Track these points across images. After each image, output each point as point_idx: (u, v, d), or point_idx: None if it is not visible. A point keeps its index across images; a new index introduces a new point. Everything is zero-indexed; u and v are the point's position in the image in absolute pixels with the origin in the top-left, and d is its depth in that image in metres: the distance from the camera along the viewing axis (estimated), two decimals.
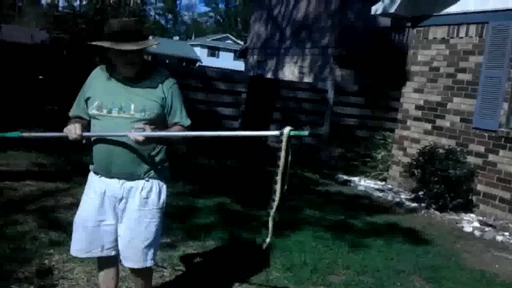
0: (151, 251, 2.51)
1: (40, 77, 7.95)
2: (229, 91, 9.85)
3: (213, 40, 59.06)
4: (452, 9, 6.84)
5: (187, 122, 2.52)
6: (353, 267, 4.02)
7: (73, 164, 5.99)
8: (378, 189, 7.34)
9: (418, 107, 7.37)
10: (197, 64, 48.09)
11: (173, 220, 4.69)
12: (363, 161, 8.55)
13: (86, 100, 2.44)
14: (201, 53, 55.20)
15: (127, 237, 2.47)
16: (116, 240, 2.51)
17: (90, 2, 12.21)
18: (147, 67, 2.47)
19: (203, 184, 6.31)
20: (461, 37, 6.75)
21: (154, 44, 2.54)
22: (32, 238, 3.82)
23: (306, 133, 2.23)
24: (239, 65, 39.12)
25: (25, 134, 2.54)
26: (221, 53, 56.97)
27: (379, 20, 15.19)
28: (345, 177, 7.94)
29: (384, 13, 7.81)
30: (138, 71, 2.40)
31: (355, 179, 7.89)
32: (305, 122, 10.53)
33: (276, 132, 2.18)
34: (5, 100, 5.21)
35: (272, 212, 2.28)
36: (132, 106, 2.35)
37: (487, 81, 6.32)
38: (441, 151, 6.38)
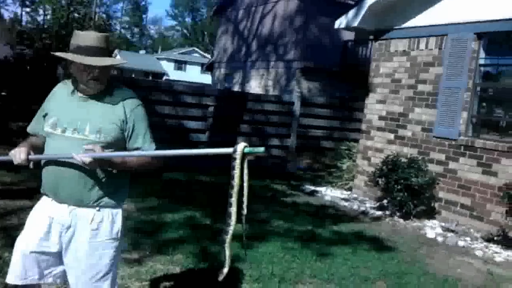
0: (107, 283, 2.32)
1: (3, 93, 7.83)
2: (197, 104, 9.87)
3: (180, 53, 59.03)
4: (413, 22, 7.09)
5: (151, 147, 2.31)
6: (320, 276, 4.11)
7: (38, 181, 5.92)
8: (344, 199, 7.48)
9: (381, 118, 7.57)
10: (163, 78, 47.93)
11: (141, 235, 4.70)
12: (329, 171, 8.70)
13: (44, 116, 2.32)
14: (167, 67, 55.05)
15: (77, 270, 2.29)
16: (53, 266, 2.33)
17: (54, 17, 12.11)
18: (111, 85, 2.32)
19: (173, 199, 6.31)
20: (422, 49, 6.99)
21: (123, 63, 2.48)
22: None
23: (262, 149, 2.00)
24: (207, 79, 39.20)
25: None
26: (188, 66, 56.95)
27: (344, 34, 15.55)
28: (312, 188, 8.06)
29: (348, 27, 8.01)
30: (102, 89, 2.27)
31: (322, 189, 8.02)
32: (272, 134, 10.65)
33: (229, 150, 1.99)
34: None
35: (228, 238, 2.04)
36: (88, 127, 2.20)
37: (447, 92, 6.56)
38: (403, 160, 6.56)
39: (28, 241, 2.29)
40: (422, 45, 6.99)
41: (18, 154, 2.20)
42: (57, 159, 2.22)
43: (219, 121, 9.86)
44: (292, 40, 16.84)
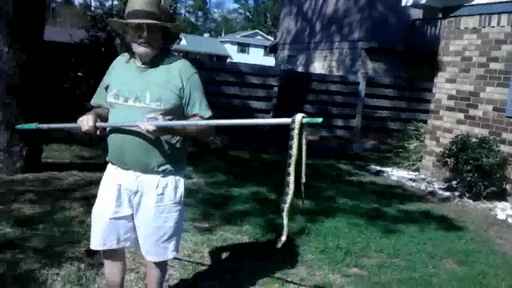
0: (172, 244, 2.46)
1: (80, 74, 8.28)
2: (262, 85, 10.02)
3: (243, 36, 59.28)
4: None
5: (207, 113, 2.40)
6: (386, 251, 4.13)
7: None
8: (411, 179, 7.38)
9: (450, 97, 7.36)
10: (227, 61, 48.42)
11: (211, 207, 4.90)
12: (396, 152, 8.57)
13: (106, 88, 2.42)
14: (231, 50, 55.54)
15: (145, 233, 2.43)
16: (130, 231, 2.48)
17: (121, 2, 12.57)
18: (166, 55, 2.38)
19: (238, 175, 6.49)
20: (493, 27, 6.71)
21: (168, 24, 2.34)
22: (80, 222, 4.07)
23: (319, 120, 1.96)
24: (269, 61, 39.30)
25: (42, 125, 2.58)
26: (251, 49, 57.18)
27: (411, 12, 15.10)
28: (378, 168, 8.00)
29: (415, 4, 7.81)
30: (156, 56, 2.32)
31: (388, 169, 7.94)
32: (337, 115, 10.62)
33: (288, 120, 2.00)
34: (49, 97, 5.51)
35: (285, 207, 2.08)
36: (148, 96, 2.28)
37: None
38: (473, 140, 6.38)
39: (102, 209, 2.44)
40: (494, 22, 6.71)
41: (86, 121, 2.28)
42: (122, 128, 2.31)
43: (283, 101, 9.95)
44: (357, 19, 16.54)
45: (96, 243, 2.48)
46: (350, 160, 8.55)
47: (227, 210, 4.89)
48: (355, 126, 10.80)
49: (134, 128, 2.24)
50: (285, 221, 2.12)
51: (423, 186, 6.97)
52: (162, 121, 2.18)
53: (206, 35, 70.21)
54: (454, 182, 6.72)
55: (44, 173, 5.48)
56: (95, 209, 2.49)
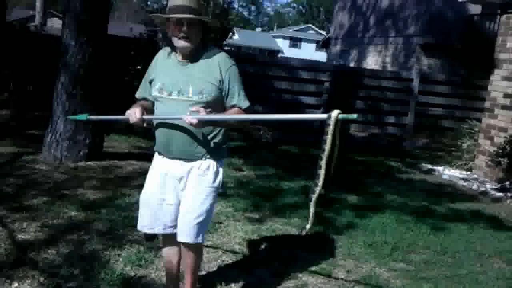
0: (202, 228, 2.55)
1: (138, 67, 8.63)
2: (313, 80, 10.07)
3: (295, 31, 59.15)
4: None
5: (246, 104, 2.51)
6: (433, 248, 4.17)
7: None
8: (462, 178, 7.28)
9: (506, 95, 7.20)
10: (278, 55, 48.49)
11: (261, 199, 5.07)
12: (448, 151, 8.45)
13: (150, 82, 2.54)
14: (282, 44, 55.54)
15: (182, 210, 2.54)
16: (176, 219, 2.57)
17: None
18: (206, 48, 2.49)
19: (288, 169, 6.63)
20: None
21: (206, 19, 2.48)
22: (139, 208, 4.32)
23: (355, 116, 2.01)
24: (321, 56, 39.04)
25: (92, 117, 2.78)
26: (302, 43, 57.00)
27: (469, 7, 14.68)
28: (429, 166, 7.92)
29: (473, 0, 7.66)
30: (195, 49, 2.43)
31: (439, 168, 7.85)
32: (388, 111, 10.55)
33: (324, 116, 2.08)
34: (111, 89, 5.83)
35: (314, 197, 2.17)
36: (190, 89, 2.39)
37: None
38: None
39: (148, 195, 2.59)
40: None
41: (134, 114, 2.41)
42: (167, 120, 2.45)
43: (334, 97, 9.97)
44: (413, 14, 16.22)
45: (143, 225, 2.64)
46: (401, 158, 8.51)
47: (277, 203, 5.04)
48: (407, 124, 10.69)
49: (178, 122, 2.39)
50: (311, 210, 2.20)
51: (475, 186, 6.87)
52: (204, 115, 2.29)
53: (258, 29, 70.48)
54: (507, 183, 6.60)
55: (105, 162, 5.81)
56: (143, 195, 2.63)
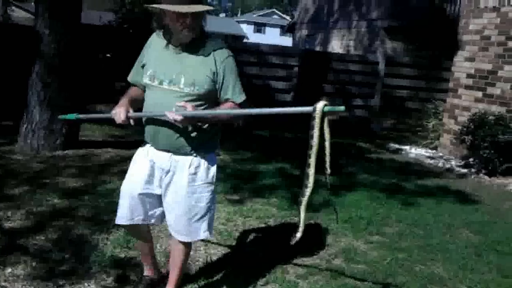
0: (204, 224, 2.48)
1: (108, 55, 8.59)
2: (282, 65, 10.19)
3: (259, 16, 59.08)
4: None
5: (240, 98, 2.38)
6: (405, 221, 4.42)
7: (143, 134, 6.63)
8: (429, 157, 7.61)
9: (469, 76, 7.53)
10: (243, 41, 48.40)
11: (240, 181, 5.22)
12: (414, 131, 8.78)
13: (143, 66, 2.41)
14: (247, 30, 55.40)
15: (176, 212, 2.45)
16: (155, 208, 2.52)
17: None
18: (202, 36, 2.34)
19: (263, 152, 6.79)
20: None
21: (211, 9, 2.35)
22: None
23: (342, 108, 1.87)
24: (286, 41, 39.19)
25: (80, 116, 2.73)
26: (267, 28, 57.00)
27: None
28: (397, 146, 8.23)
29: None
30: (195, 38, 2.29)
31: (406, 147, 8.17)
32: (356, 94, 10.80)
33: (309, 108, 1.92)
34: (81, 77, 5.82)
35: (304, 201, 2.01)
36: (182, 80, 2.27)
37: None
38: (491, 117, 6.57)
39: (133, 184, 2.46)
40: None
41: (119, 115, 2.31)
42: (152, 116, 2.35)
43: (303, 81, 10.14)
44: None
45: (122, 217, 2.51)
46: (369, 139, 8.79)
47: (255, 184, 5.20)
48: (374, 106, 10.97)
49: (162, 118, 2.26)
50: (301, 216, 2.05)
51: (440, 163, 7.20)
52: (190, 111, 2.18)
53: (222, 15, 70.04)
54: (471, 159, 6.94)
55: (82, 150, 5.84)
56: (125, 184, 2.51)
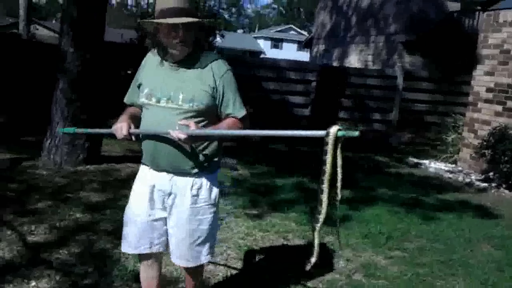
0: (205, 248, 2.39)
1: (129, 72, 8.73)
2: (300, 80, 10.26)
3: (276, 31, 59.41)
4: None
5: (241, 113, 2.29)
6: (426, 236, 4.39)
7: None
8: (448, 171, 7.55)
9: (489, 90, 7.48)
10: (261, 56, 48.70)
11: (257, 196, 5.24)
12: (433, 145, 8.72)
13: (139, 86, 2.33)
14: (264, 45, 55.75)
15: (178, 236, 2.35)
16: (164, 235, 2.40)
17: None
18: (197, 51, 2.27)
19: (280, 166, 6.81)
20: None
21: (202, 21, 2.28)
22: None
23: (356, 133, 1.82)
24: (303, 56, 39.37)
25: (79, 130, 2.68)
26: (284, 44, 57.27)
27: (448, 4, 15.06)
28: (415, 160, 8.18)
29: None
30: (190, 53, 2.23)
31: (425, 161, 8.11)
32: (374, 108, 10.80)
33: (322, 132, 1.87)
34: (102, 94, 5.94)
35: (317, 226, 1.98)
36: (181, 96, 2.19)
37: None
38: (511, 132, 6.51)
39: (135, 211, 2.37)
40: None
41: (120, 130, 2.22)
42: (152, 133, 2.26)
43: (321, 96, 10.18)
44: (393, 12, 16.57)
45: (128, 246, 2.43)
46: (388, 153, 8.75)
47: (273, 199, 5.22)
48: (392, 120, 10.95)
49: (166, 136, 2.18)
50: (316, 241, 2.03)
51: (460, 178, 7.14)
52: (193, 129, 2.10)
53: (240, 31, 70.64)
54: (491, 174, 6.87)
55: (103, 165, 5.93)
56: (128, 211, 2.42)
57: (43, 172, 5.44)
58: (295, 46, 54.34)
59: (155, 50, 2.32)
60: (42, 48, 8.01)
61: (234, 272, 3.40)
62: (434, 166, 7.87)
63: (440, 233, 4.49)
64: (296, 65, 10.60)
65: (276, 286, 3.21)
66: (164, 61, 2.26)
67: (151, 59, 2.34)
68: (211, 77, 2.22)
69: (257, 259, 3.66)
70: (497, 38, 7.38)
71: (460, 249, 4.14)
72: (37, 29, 22.24)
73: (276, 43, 57.27)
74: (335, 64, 19.23)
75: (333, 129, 1.83)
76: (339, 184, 1.92)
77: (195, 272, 2.53)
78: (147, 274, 2.56)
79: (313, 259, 2.03)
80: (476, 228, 4.75)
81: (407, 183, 6.58)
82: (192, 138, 2.13)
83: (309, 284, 3.31)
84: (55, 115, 5.71)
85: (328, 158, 1.86)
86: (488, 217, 5.20)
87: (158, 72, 2.27)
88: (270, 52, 52.31)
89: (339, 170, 1.88)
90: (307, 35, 30.94)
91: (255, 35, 60.50)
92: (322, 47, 21.30)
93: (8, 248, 3.45)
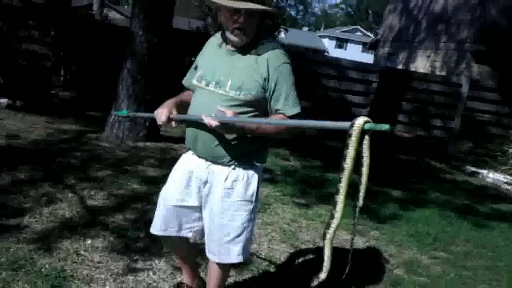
0: (238, 247, 2.23)
1: (193, 59, 8.99)
2: (361, 80, 10.20)
3: (342, 32, 58.80)
4: None
5: (292, 111, 2.10)
6: (474, 242, 4.33)
7: None
8: (507, 182, 7.31)
9: None
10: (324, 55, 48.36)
11: (307, 186, 5.32)
12: (494, 155, 8.45)
13: (196, 69, 2.27)
14: (328, 44, 55.32)
15: (209, 228, 2.26)
16: (195, 222, 2.33)
17: None
18: (259, 39, 2.12)
19: (332, 161, 6.81)
20: None
21: (268, 9, 2.07)
22: None
23: (386, 126, 1.54)
24: (367, 58, 38.74)
25: (131, 113, 2.79)
26: (349, 45, 56.61)
27: None
28: (473, 169, 7.97)
29: None
30: (250, 42, 2.09)
31: (484, 171, 7.88)
32: (435, 114, 10.57)
33: (346, 124, 1.61)
34: (167, 77, 6.19)
35: (329, 234, 1.68)
36: (229, 83, 2.07)
37: None
38: None
39: (169, 194, 2.32)
40: None
41: (160, 115, 2.19)
42: (192, 119, 2.18)
43: (381, 98, 10.07)
44: (466, 19, 16.04)
45: (156, 226, 2.37)
46: (445, 160, 8.56)
47: (322, 191, 5.27)
48: (453, 127, 10.67)
49: (200, 121, 2.05)
50: (327, 252, 1.72)
51: None
52: (228, 117, 1.98)
53: (305, 29, 70.44)
54: None
55: (161, 143, 6.19)
56: (164, 192, 2.37)
57: (105, 145, 5.75)
58: (359, 47, 53.58)
59: (219, 34, 2.24)
60: (113, 30, 8.40)
61: (276, 253, 3.50)
62: (493, 176, 7.63)
63: (489, 241, 4.40)
64: (357, 65, 10.53)
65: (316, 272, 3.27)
66: (222, 45, 2.17)
67: (212, 41, 2.26)
68: (265, 67, 2.07)
69: (299, 244, 3.74)
70: None
71: (507, 258, 4.04)
72: (109, 11, 23.24)
73: (341, 43, 56.69)
74: (400, 67, 18.87)
75: (359, 121, 1.56)
76: (363, 187, 1.62)
77: (220, 270, 2.38)
78: (180, 253, 2.61)
79: (322, 275, 1.72)
80: None
81: (462, 190, 6.44)
82: (225, 127, 2.00)
83: (347, 274, 3.35)
84: (120, 93, 6.01)
85: (350, 153, 1.58)
86: None
87: (214, 56, 2.18)
88: (334, 52, 51.86)
89: (364, 170, 1.59)
90: (373, 37, 30.47)
91: (320, 34, 60.15)
92: (387, 49, 20.93)
93: (68, 209, 3.70)
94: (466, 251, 4.07)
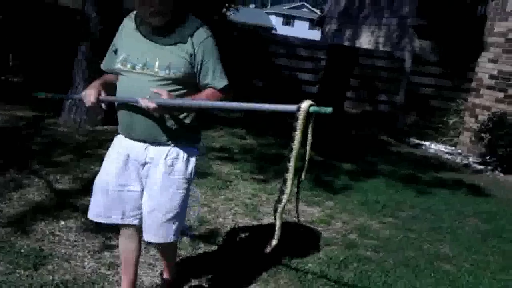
0: (174, 226, 2.24)
1: None
2: (310, 57, 10.49)
3: (289, 8, 59.09)
4: None
5: (221, 84, 2.16)
6: (419, 207, 4.74)
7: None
8: (447, 153, 7.86)
9: (492, 76, 7.74)
10: (272, 32, 48.50)
11: (264, 163, 5.58)
12: (436, 128, 9.01)
13: (115, 52, 2.19)
14: (276, 22, 55.51)
15: (148, 207, 2.22)
16: (140, 208, 2.26)
17: None
18: (179, 16, 2.11)
19: (287, 138, 7.10)
20: None
21: None
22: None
23: (329, 109, 1.66)
24: (314, 34, 39.29)
25: (48, 94, 2.57)
26: (296, 21, 57.03)
27: None
28: (417, 141, 8.50)
29: None
30: (170, 20, 2.09)
31: (426, 143, 8.43)
32: (381, 89, 11.04)
33: (293, 107, 1.73)
34: None
35: (280, 207, 1.86)
36: (157, 63, 2.06)
37: None
38: (510, 117, 6.80)
39: (107, 179, 2.24)
40: None
41: (89, 97, 2.11)
42: (125, 101, 2.15)
43: (329, 74, 10.42)
44: None
45: (96, 214, 2.29)
46: (391, 133, 9.05)
47: (279, 166, 5.54)
48: (398, 102, 11.19)
49: (135, 104, 2.06)
50: (277, 223, 1.92)
51: (458, 159, 7.45)
52: (164, 99, 2.00)
53: (252, 5, 70.22)
54: (488, 157, 7.18)
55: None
56: (99, 179, 2.28)
57: (64, 130, 5.80)
58: (307, 24, 54.13)
59: (132, 15, 2.20)
60: (65, 12, 8.27)
61: (241, 225, 3.76)
62: (435, 147, 8.18)
63: (432, 206, 4.84)
64: (306, 43, 10.81)
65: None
66: (140, 27, 2.14)
67: (128, 24, 2.20)
68: (190, 43, 2.09)
69: (261, 216, 4.01)
70: (503, 26, 7.60)
71: (449, 220, 4.48)
72: None
73: (288, 20, 57.03)
74: (346, 44, 19.34)
75: (305, 104, 1.71)
76: (306, 164, 1.86)
77: (167, 249, 2.48)
78: (126, 246, 2.44)
79: (273, 242, 1.93)
80: (466, 203, 5.08)
81: (406, 161, 6.90)
82: (162, 108, 2.01)
83: (306, 239, 3.66)
84: (76, 77, 6.04)
85: (297, 135, 1.75)
86: (479, 195, 5.53)
87: (134, 37, 2.14)
88: (281, 29, 52.09)
89: (308, 149, 1.79)
90: (320, 13, 30.96)
91: (267, 11, 60.19)
92: (334, 26, 21.36)
93: (37, 193, 3.82)
94: (411, 216, 4.47)
